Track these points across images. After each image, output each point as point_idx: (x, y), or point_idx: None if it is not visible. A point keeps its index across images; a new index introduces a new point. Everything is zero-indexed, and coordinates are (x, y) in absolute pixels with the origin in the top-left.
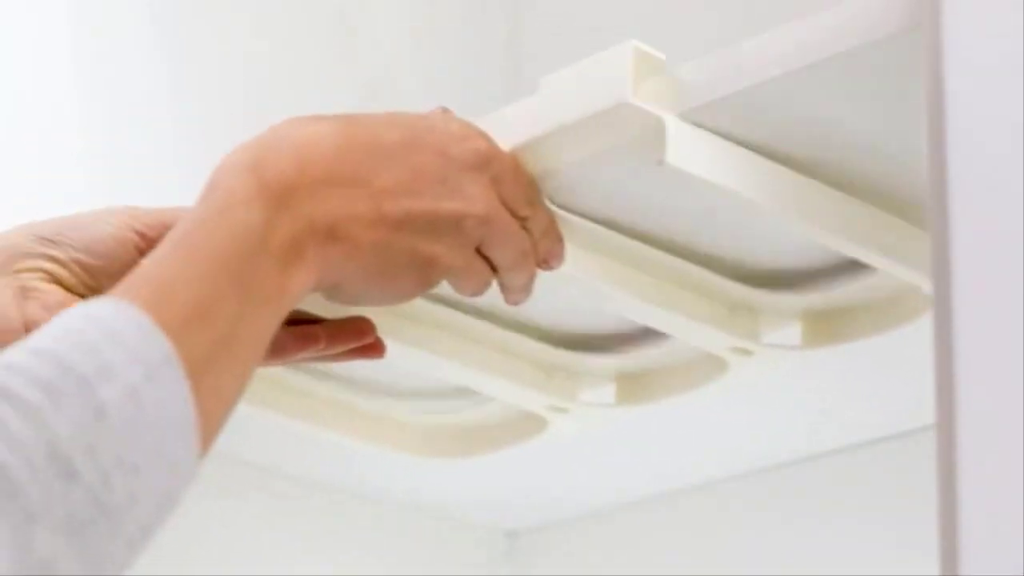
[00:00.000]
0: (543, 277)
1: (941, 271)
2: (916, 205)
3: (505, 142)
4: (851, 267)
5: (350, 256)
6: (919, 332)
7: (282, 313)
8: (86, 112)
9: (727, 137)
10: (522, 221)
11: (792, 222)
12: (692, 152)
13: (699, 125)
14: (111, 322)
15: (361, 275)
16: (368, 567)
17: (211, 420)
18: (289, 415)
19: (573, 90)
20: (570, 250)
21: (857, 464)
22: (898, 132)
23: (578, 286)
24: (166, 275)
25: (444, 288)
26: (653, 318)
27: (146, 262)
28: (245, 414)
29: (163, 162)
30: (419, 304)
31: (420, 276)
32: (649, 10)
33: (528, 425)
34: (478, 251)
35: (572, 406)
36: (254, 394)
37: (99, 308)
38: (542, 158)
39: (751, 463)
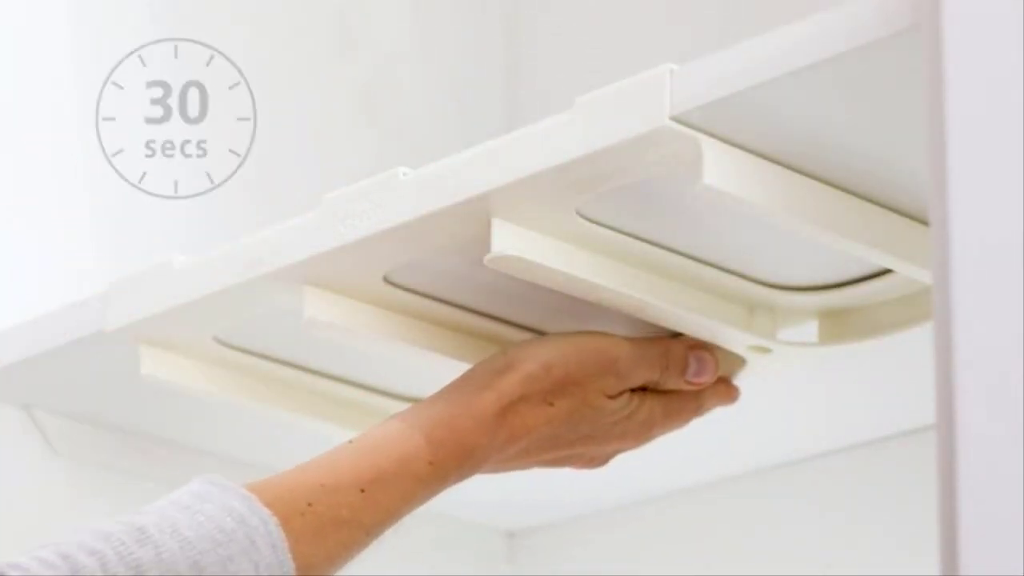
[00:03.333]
0: None
1: (941, 271)
2: (920, 205)
3: (538, 159)
4: (870, 268)
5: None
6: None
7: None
8: (86, 112)
9: (725, 139)
10: None
11: (819, 234)
12: (728, 172)
13: (698, 127)
14: (254, 532)
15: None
16: (367, 567)
17: None
18: (292, 411)
19: (610, 111)
20: (597, 259)
21: (858, 463)
22: (897, 133)
23: None
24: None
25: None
26: (675, 320)
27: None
28: (245, 413)
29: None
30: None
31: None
32: (648, 10)
33: None
34: None
35: None
36: (254, 392)
37: (251, 512)
38: (577, 177)
39: (750, 463)
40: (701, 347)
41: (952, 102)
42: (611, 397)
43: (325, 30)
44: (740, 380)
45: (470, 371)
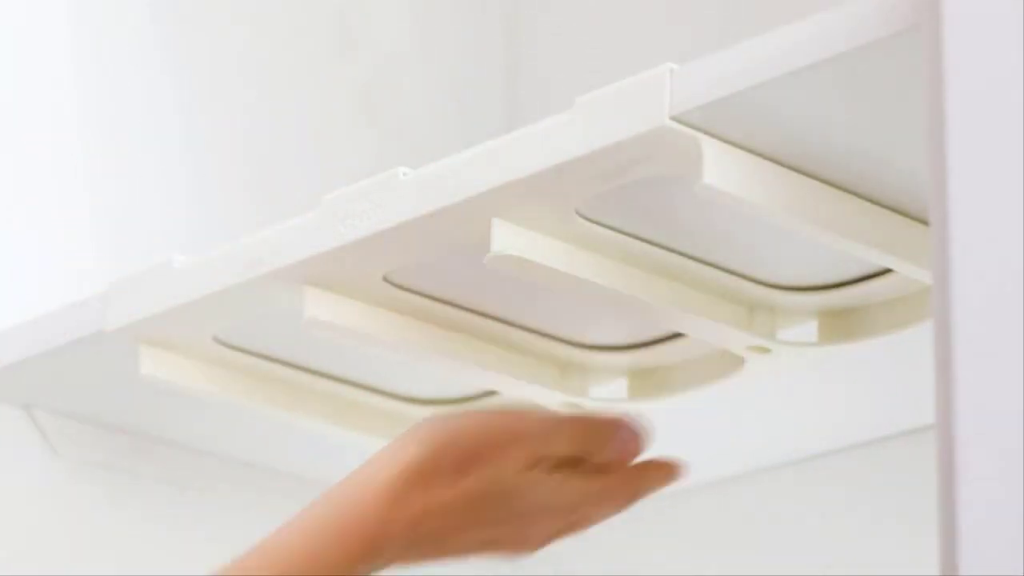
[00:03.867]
0: None
1: (941, 271)
2: (920, 205)
3: (538, 159)
4: (870, 268)
5: None
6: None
7: None
8: (86, 112)
9: (725, 139)
10: None
11: (819, 234)
12: (728, 172)
13: (698, 127)
14: None
15: None
16: None
17: None
18: (292, 411)
19: (610, 111)
20: (597, 259)
21: (858, 463)
22: (897, 133)
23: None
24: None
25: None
26: (675, 320)
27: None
28: (245, 413)
29: (164, 162)
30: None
31: None
32: (648, 10)
33: None
34: None
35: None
36: (254, 392)
37: None
38: (577, 177)
39: (750, 463)
40: (626, 422)
41: (952, 102)
42: (527, 473)
43: (325, 30)
44: (740, 380)
45: (374, 455)
